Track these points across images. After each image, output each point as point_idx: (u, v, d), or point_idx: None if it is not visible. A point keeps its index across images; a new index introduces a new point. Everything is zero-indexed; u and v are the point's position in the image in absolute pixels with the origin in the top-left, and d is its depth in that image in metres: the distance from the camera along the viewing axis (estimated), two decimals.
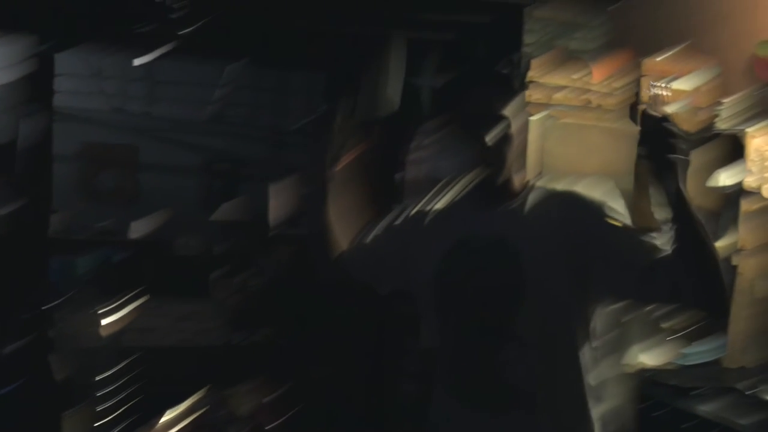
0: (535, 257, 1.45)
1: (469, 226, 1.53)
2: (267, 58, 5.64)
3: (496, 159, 1.46)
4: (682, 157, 1.33)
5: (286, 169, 8.67)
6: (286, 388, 4.04)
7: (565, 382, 1.48)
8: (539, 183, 1.54)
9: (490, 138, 1.43)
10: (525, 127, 1.53)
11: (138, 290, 7.85)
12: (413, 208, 1.69)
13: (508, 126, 1.45)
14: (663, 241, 1.36)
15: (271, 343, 6.14)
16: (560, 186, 1.52)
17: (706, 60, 2.93)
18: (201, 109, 8.61)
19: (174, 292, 7.98)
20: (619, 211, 1.45)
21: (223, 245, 8.78)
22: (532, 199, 1.50)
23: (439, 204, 1.63)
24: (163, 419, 1.56)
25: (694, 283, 1.32)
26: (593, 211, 1.45)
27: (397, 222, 1.69)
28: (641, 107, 2.85)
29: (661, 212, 1.35)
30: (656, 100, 2.68)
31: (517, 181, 1.52)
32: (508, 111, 1.47)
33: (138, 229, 8.47)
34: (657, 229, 1.39)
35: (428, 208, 1.65)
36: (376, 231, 1.71)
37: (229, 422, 1.61)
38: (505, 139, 1.45)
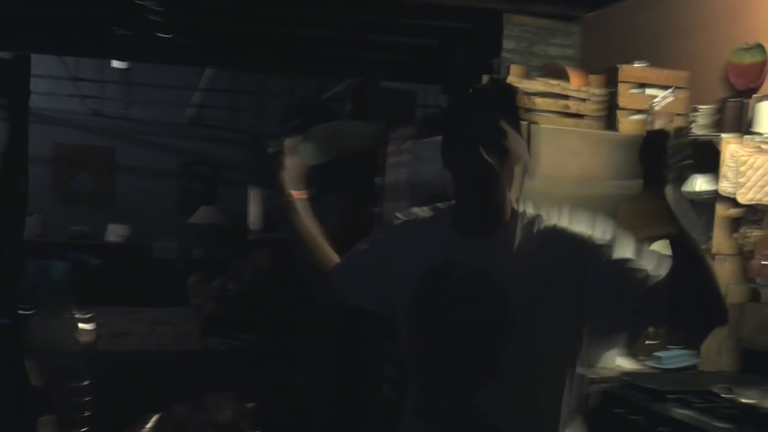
0: (523, 292, 1.39)
1: (454, 252, 1.46)
2: (246, 62, 5.61)
3: (488, 186, 1.40)
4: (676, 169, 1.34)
5: (265, 173, 8.67)
6: (265, 393, 4.01)
7: (542, 418, 1.44)
8: (527, 213, 1.46)
9: (486, 164, 1.37)
10: (521, 159, 1.43)
11: (115, 294, 7.79)
12: (398, 227, 1.61)
13: (507, 154, 1.39)
14: (654, 264, 1.34)
15: (249, 348, 6.11)
16: (547, 216, 1.45)
17: (681, 68, 2.98)
18: (179, 112, 8.57)
19: (151, 296, 7.93)
20: (606, 239, 1.39)
21: (201, 249, 8.74)
22: (519, 230, 1.44)
23: (426, 226, 1.56)
24: (141, 425, 1.55)
25: (688, 306, 1.29)
26: (584, 245, 1.39)
27: (382, 241, 1.63)
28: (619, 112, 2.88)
29: (659, 228, 1.33)
30: (655, 112, 2.71)
31: (504, 210, 1.44)
32: (509, 140, 1.41)
33: (114, 232, 8.41)
34: (658, 238, 1.36)
35: (414, 227, 1.58)
36: (361, 250, 1.64)
37: (209, 428, 1.60)
38: (499, 166, 1.39)
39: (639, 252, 1.37)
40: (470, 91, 1.51)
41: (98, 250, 8.16)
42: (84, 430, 1.56)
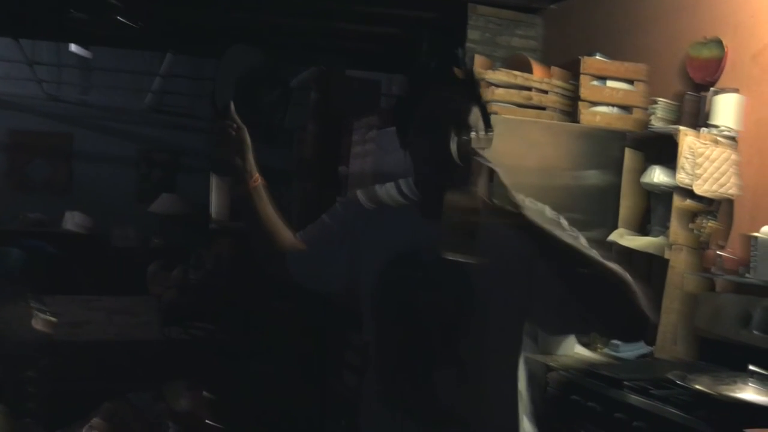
0: (486, 278, 1.38)
1: (423, 238, 1.42)
2: (207, 47, 5.52)
3: (457, 171, 1.36)
4: None
5: (227, 159, 8.57)
6: (225, 382, 3.98)
7: (500, 400, 1.47)
8: (495, 201, 1.37)
9: (453, 148, 1.34)
10: (488, 144, 1.41)
11: (72, 282, 7.64)
12: (361, 211, 1.57)
13: (472, 137, 1.37)
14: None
15: (209, 338, 6.05)
16: (516, 206, 1.34)
17: (640, 61, 3.02)
18: (139, 98, 8.42)
19: (109, 285, 7.80)
20: (561, 238, 1.34)
21: (161, 237, 8.62)
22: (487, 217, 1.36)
23: (391, 209, 1.53)
24: (99, 414, 1.52)
25: (605, 315, 1.29)
26: (539, 240, 1.33)
27: (343, 223, 1.58)
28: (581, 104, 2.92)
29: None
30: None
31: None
32: (472, 121, 1.38)
33: (72, 219, 8.25)
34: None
35: (378, 211, 1.55)
36: (319, 232, 1.60)
37: (167, 417, 1.58)
38: (467, 150, 1.36)
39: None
40: (430, 68, 1.50)
41: (55, 237, 8.00)
42: (39, 418, 1.53)
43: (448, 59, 1.79)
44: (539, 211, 1.41)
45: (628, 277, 1.29)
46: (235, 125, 1.50)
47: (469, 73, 1.47)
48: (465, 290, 1.41)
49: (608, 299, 1.28)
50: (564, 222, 1.43)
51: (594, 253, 1.31)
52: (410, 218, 1.49)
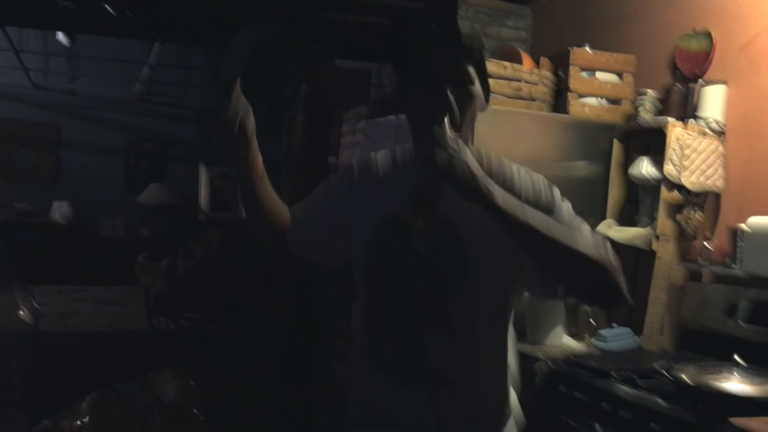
0: (477, 241, 1.40)
1: (416, 200, 1.45)
2: (196, 36, 5.49)
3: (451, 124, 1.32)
4: None
5: (215, 150, 8.55)
6: (213, 372, 3.98)
7: (489, 366, 1.48)
8: (490, 157, 1.45)
9: (450, 97, 1.34)
10: (479, 98, 1.41)
11: (60, 273, 7.61)
12: (353, 178, 1.56)
13: (468, 95, 1.37)
14: (583, 237, 1.32)
15: (197, 328, 6.05)
16: (508, 169, 1.44)
17: (629, 52, 3.02)
18: (127, 87, 8.36)
19: (98, 275, 7.77)
20: (551, 206, 1.39)
21: (150, 228, 8.59)
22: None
23: (384, 174, 1.53)
24: (85, 403, 1.52)
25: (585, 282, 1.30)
26: (538, 194, 1.39)
27: (338, 191, 1.57)
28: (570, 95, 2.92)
29: None
30: None
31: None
32: (471, 80, 1.38)
33: (60, 209, 8.20)
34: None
35: (371, 176, 1.54)
36: (314, 203, 1.60)
37: (154, 406, 1.58)
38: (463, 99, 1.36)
39: (572, 224, 1.38)
40: (430, 25, 1.49)
41: (43, 227, 7.96)
42: (25, 408, 1.52)
43: (448, 24, 1.76)
44: (531, 181, 1.43)
45: (599, 252, 1.30)
46: (239, 108, 1.38)
47: (472, 35, 1.49)
48: (455, 252, 1.41)
49: (576, 275, 1.30)
50: (557, 193, 1.44)
51: (565, 232, 1.30)
52: (403, 181, 1.48)
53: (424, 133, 1.27)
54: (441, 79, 1.38)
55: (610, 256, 1.32)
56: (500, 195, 1.25)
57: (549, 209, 1.38)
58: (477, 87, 1.42)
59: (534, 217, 1.27)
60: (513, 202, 1.27)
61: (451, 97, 1.36)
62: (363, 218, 1.51)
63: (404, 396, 1.46)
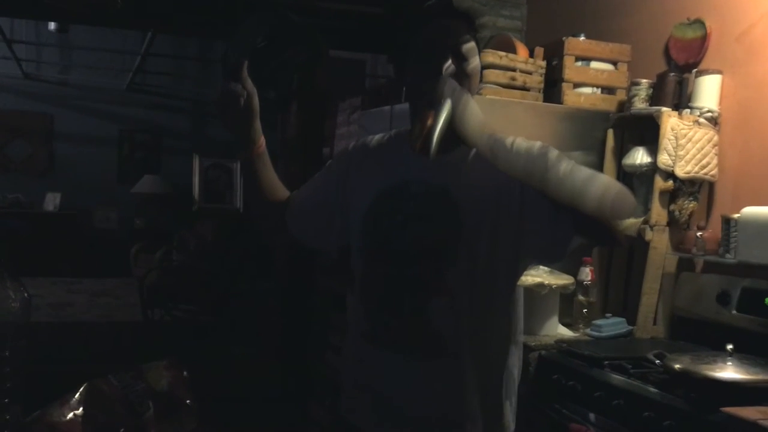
0: (474, 208, 1.40)
1: (411, 170, 1.45)
2: (189, 26, 5.46)
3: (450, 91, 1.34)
4: None
5: (209, 140, 8.53)
6: (207, 363, 3.98)
7: (493, 333, 1.47)
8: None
9: (446, 68, 1.35)
10: (477, 72, 1.44)
11: (54, 264, 7.59)
12: (352, 150, 1.60)
13: (467, 70, 1.39)
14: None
15: (192, 319, 6.05)
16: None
17: (622, 41, 3.01)
18: (120, 77, 8.32)
19: (92, 267, 7.76)
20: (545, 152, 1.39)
21: (144, 219, 8.57)
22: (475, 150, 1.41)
23: (383, 146, 1.55)
24: (79, 394, 1.52)
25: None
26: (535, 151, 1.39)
27: (337, 174, 1.59)
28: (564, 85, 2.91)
29: None
30: None
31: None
32: (467, 50, 1.40)
33: (53, 201, 8.17)
34: None
35: (371, 148, 1.57)
36: (313, 187, 1.62)
37: (147, 396, 1.57)
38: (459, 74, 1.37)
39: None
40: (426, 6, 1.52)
41: (36, 218, 7.93)
42: (18, 397, 1.51)
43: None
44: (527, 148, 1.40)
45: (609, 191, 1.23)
46: (244, 90, 1.42)
47: (467, 11, 1.51)
48: (453, 220, 1.41)
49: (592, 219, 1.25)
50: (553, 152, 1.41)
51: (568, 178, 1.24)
52: (399, 153, 1.50)
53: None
54: (438, 56, 1.39)
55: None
56: (502, 136, 1.28)
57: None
58: (474, 64, 1.43)
59: (539, 152, 1.26)
60: (519, 141, 1.28)
61: (448, 72, 1.37)
62: (360, 196, 1.52)
63: (406, 372, 1.45)
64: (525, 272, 1.58)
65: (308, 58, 1.54)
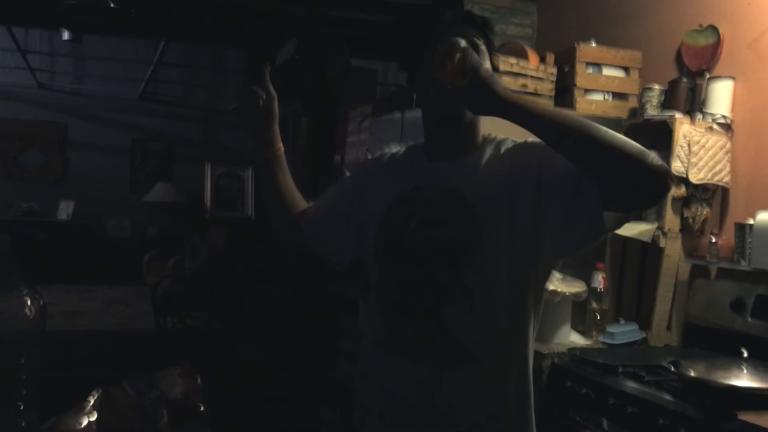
0: (489, 210, 1.38)
1: (425, 176, 1.46)
2: (201, 35, 5.50)
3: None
4: None
5: (221, 149, 8.57)
6: (220, 370, 3.99)
7: (513, 336, 1.43)
8: (496, 135, 1.46)
9: (458, 59, 1.30)
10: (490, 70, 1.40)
11: (68, 272, 7.64)
12: (368, 163, 1.62)
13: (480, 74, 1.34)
14: None
15: (204, 327, 6.06)
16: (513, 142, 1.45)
17: (634, 48, 3.01)
18: (133, 87, 8.38)
19: (105, 275, 7.80)
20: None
21: (156, 227, 8.61)
22: (489, 149, 1.43)
23: (397, 157, 1.56)
24: (93, 400, 1.52)
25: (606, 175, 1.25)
26: (538, 146, 1.36)
27: (352, 186, 1.61)
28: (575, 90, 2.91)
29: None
30: None
31: (476, 130, 1.45)
32: (482, 59, 1.38)
33: (67, 209, 8.23)
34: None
35: (386, 160, 1.58)
36: (330, 198, 1.63)
37: (161, 404, 1.58)
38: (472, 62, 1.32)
39: None
40: (438, 13, 1.50)
41: (50, 227, 7.99)
42: (33, 405, 1.52)
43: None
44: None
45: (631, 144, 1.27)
46: (264, 92, 1.48)
47: (480, 17, 1.49)
48: (470, 221, 1.39)
49: (616, 164, 1.25)
50: None
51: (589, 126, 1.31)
52: (414, 159, 1.51)
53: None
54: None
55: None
56: (523, 100, 1.28)
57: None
58: (485, 57, 1.41)
59: (564, 114, 1.27)
60: (541, 105, 1.28)
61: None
62: (374, 206, 1.52)
63: (423, 380, 1.42)
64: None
65: (340, 70, 1.57)
